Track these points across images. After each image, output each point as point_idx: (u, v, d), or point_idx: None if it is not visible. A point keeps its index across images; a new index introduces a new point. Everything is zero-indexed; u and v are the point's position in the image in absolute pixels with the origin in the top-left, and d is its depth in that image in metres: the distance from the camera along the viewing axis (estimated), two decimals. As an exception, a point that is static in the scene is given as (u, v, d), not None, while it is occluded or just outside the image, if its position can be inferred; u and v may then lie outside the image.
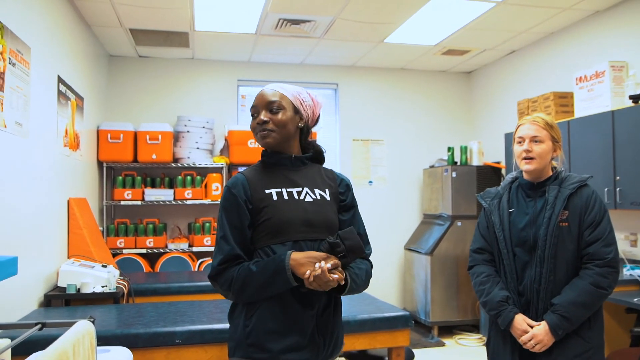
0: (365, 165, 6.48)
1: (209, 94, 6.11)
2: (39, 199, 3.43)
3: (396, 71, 6.61)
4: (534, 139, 2.18)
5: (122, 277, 3.80)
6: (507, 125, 5.80)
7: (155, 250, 5.39)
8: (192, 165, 5.56)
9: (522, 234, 2.16)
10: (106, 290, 3.48)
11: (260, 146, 1.84)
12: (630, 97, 3.87)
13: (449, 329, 5.70)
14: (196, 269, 5.36)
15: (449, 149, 5.92)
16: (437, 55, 5.94)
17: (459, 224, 5.61)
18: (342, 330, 1.89)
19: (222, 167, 5.66)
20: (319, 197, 1.81)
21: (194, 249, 5.48)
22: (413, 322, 2.93)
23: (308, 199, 1.79)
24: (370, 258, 1.90)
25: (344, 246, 1.66)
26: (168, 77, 6.03)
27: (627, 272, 3.98)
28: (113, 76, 5.87)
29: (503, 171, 5.74)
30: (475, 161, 5.83)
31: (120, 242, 5.30)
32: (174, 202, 5.47)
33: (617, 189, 3.87)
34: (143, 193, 5.41)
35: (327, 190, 1.85)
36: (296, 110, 1.82)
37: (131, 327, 2.61)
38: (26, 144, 3.17)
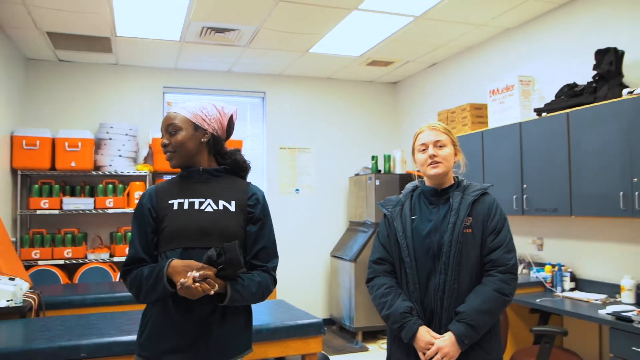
0: (292, 174, 6.52)
1: (133, 100, 5.97)
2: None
3: (323, 80, 6.71)
4: (437, 144, 2.18)
5: (31, 290, 3.65)
6: (429, 135, 5.99)
7: (74, 261, 5.20)
8: (114, 173, 5.42)
9: (425, 241, 2.12)
10: (11, 304, 3.32)
11: None
12: (535, 110, 4.12)
13: (373, 334, 5.81)
14: (117, 280, 5.21)
15: (373, 157, 6.07)
16: (362, 65, 6.08)
17: (383, 230, 5.73)
18: (240, 337, 1.92)
19: (145, 175, 5.55)
20: (221, 207, 1.90)
21: (115, 259, 5.33)
22: (325, 328, 2.99)
23: (209, 209, 1.89)
24: (297, 265, 1.96)
25: (223, 258, 1.72)
26: (91, 83, 5.85)
27: (533, 274, 4.22)
28: (30, 80, 5.63)
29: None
30: (399, 169, 6.00)
31: (35, 253, 5.08)
32: (94, 211, 5.31)
33: (524, 196, 4.09)
34: (61, 202, 5.22)
35: (233, 202, 1.92)
36: (196, 127, 1.93)
37: (32, 343, 2.53)
38: None
